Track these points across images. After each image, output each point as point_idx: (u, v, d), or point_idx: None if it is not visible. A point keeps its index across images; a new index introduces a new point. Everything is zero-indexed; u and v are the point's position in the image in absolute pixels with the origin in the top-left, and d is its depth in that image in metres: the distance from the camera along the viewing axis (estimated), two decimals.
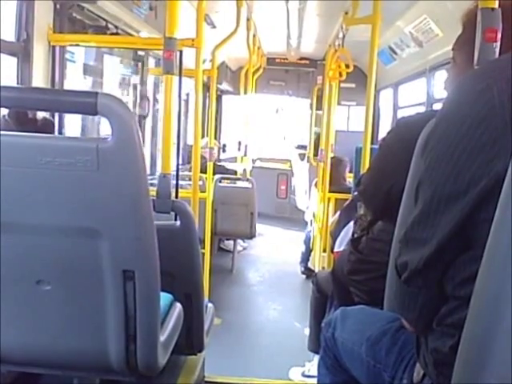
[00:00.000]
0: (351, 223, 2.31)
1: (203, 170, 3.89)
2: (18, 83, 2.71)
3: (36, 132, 1.90)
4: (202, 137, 4.55)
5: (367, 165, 2.81)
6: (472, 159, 0.88)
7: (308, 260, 5.34)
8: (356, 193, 2.68)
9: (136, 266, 1.24)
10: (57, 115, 3.05)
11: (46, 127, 2.12)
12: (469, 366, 0.74)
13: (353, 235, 2.11)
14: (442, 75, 4.39)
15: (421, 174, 0.99)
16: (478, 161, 0.87)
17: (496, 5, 1.47)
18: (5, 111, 2.02)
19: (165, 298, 1.55)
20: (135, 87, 4.71)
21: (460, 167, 0.89)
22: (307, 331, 3.36)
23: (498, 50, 1.40)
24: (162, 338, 1.39)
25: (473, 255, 0.89)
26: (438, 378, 0.98)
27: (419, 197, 0.98)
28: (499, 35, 1.37)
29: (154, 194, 1.90)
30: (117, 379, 1.49)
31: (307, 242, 5.48)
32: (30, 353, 1.37)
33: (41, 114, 2.15)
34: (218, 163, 6.23)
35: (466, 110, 0.91)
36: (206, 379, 2.72)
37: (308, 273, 5.21)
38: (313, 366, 3.05)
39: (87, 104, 1.13)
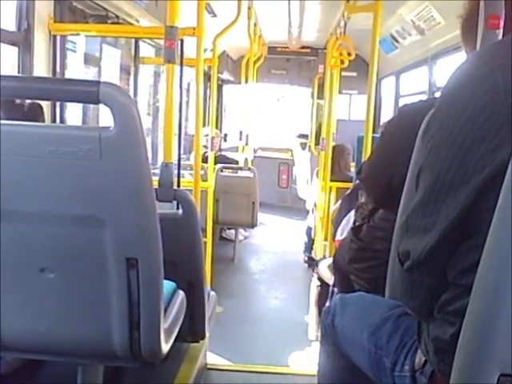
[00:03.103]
0: (353, 211, 2.31)
1: (204, 160, 3.90)
2: (18, 73, 2.71)
3: (24, 118, 1.90)
4: (203, 126, 4.54)
5: (369, 153, 2.81)
6: (475, 147, 0.86)
7: (312, 249, 5.36)
8: (357, 181, 2.68)
9: (139, 253, 1.25)
10: (58, 104, 3.06)
11: (34, 112, 2.11)
12: (469, 353, 0.75)
13: (354, 223, 2.11)
14: (443, 63, 4.38)
15: (422, 160, 0.98)
16: (482, 149, 0.85)
17: None
18: None
19: (168, 285, 1.56)
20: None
21: (463, 155, 0.87)
22: (308, 319, 3.38)
23: (500, 38, 1.40)
24: (165, 325, 1.40)
25: (474, 244, 0.88)
26: (439, 365, 0.99)
27: (420, 183, 0.97)
28: (502, 22, 1.37)
29: (156, 183, 1.91)
30: (120, 366, 1.50)
31: (309, 231, 5.50)
32: (35, 340, 1.38)
33: (28, 100, 2.13)
34: (220, 153, 6.23)
35: (469, 94, 0.89)
36: (209, 366, 2.74)
37: (310, 262, 5.22)
38: (314, 353, 3.07)
39: (89, 93, 1.14)
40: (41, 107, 2.19)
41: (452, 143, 0.89)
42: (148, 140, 5.16)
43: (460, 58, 3.96)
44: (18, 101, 2.05)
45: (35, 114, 2.12)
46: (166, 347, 1.41)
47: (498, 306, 0.70)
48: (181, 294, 1.62)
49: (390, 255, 1.37)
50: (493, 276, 0.71)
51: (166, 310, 1.45)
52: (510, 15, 1.32)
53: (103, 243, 1.23)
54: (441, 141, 0.93)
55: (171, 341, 1.46)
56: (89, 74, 4.10)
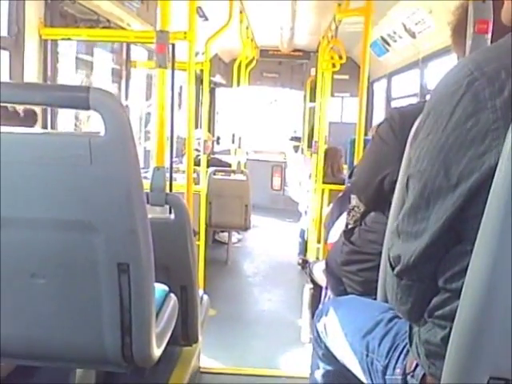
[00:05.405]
0: (344, 214, 2.31)
1: (197, 163, 3.89)
2: (10, 78, 2.70)
3: (21, 124, 1.91)
4: (196, 129, 4.53)
5: (361, 156, 2.82)
6: (462, 153, 0.86)
7: (306, 251, 5.37)
8: (349, 184, 2.69)
9: (130, 258, 1.25)
10: (49, 110, 3.05)
11: (29, 117, 2.12)
12: (459, 357, 0.76)
13: (346, 226, 2.12)
14: (435, 66, 4.40)
15: (411, 167, 0.99)
16: (469, 155, 0.85)
17: None
18: None
19: (160, 290, 1.56)
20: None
21: (450, 161, 0.88)
22: (301, 322, 3.39)
23: (489, 42, 1.41)
24: (157, 330, 1.40)
25: (463, 249, 0.88)
26: (430, 368, 0.99)
27: (409, 189, 0.98)
28: (490, 27, 1.38)
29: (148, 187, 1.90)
30: (113, 371, 1.50)
31: (302, 234, 5.50)
32: (26, 345, 1.38)
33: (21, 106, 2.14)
34: (212, 156, 6.22)
35: (455, 102, 0.89)
36: (202, 370, 2.74)
37: (304, 264, 5.22)
38: (306, 355, 3.07)
39: (79, 99, 1.14)
40: (35, 113, 2.20)
41: (439, 150, 0.90)
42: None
43: (451, 60, 3.98)
44: (11, 109, 2.06)
45: (31, 120, 2.14)
46: (157, 352, 1.41)
47: (487, 310, 0.70)
48: (173, 298, 1.62)
49: (382, 259, 1.38)
50: (481, 280, 0.72)
51: (157, 315, 1.45)
52: (498, 20, 1.33)
53: (94, 248, 1.23)
54: (428, 148, 0.94)
55: (163, 345, 1.46)
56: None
